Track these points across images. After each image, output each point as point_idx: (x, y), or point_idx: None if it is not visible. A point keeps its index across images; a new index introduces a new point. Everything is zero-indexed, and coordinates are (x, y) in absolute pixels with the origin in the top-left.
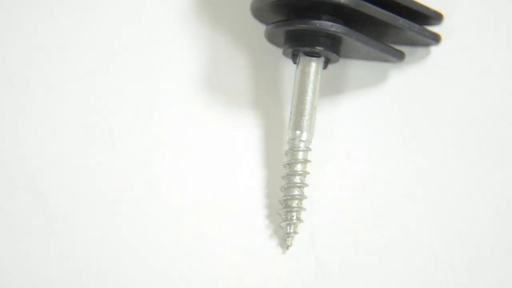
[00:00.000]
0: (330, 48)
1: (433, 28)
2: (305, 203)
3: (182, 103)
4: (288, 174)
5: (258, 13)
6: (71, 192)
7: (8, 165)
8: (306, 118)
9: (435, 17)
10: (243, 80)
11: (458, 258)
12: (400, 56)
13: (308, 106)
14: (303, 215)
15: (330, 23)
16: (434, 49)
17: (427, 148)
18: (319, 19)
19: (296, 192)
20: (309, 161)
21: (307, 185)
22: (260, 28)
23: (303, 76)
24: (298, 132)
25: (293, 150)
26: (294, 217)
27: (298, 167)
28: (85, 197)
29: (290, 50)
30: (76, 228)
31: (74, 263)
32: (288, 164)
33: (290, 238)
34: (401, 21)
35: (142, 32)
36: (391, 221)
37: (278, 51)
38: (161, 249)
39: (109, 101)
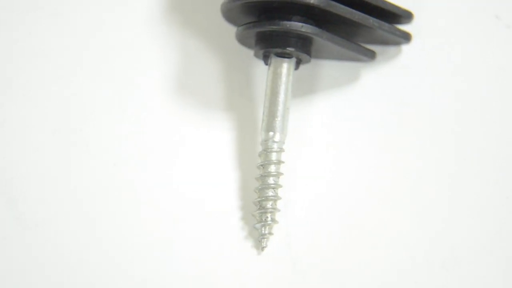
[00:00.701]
0: (301, 49)
1: (404, 27)
2: (279, 204)
3: (155, 106)
4: (262, 175)
5: (228, 14)
6: (44, 198)
7: None
8: (278, 119)
9: (405, 16)
10: (215, 82)
11: (433, 257)
12: (372, 55)
13: (280, 107)
14: (277, 216)
15: (301, 24)
16: (405, 48)
17: (400, 147)
18: (290, 20)
19: (270, 193)
20: (283, 162)
21: (281, 186)
22: (231, 30)
23: (275, 77)
24: (271, 133)
25: (266, 151)
26: (269, 218)
27: (272, 168)
28: (59, 202)
29: (261, 52)
30: (50, 234)
31: (48, 269)
32: (261, 165)
33: (265, 239)
34: (371, 20)
35: (113, 36)
36: (366, 220)
37: (250, 52)
38: (135, 251)
39: (82, 106)
